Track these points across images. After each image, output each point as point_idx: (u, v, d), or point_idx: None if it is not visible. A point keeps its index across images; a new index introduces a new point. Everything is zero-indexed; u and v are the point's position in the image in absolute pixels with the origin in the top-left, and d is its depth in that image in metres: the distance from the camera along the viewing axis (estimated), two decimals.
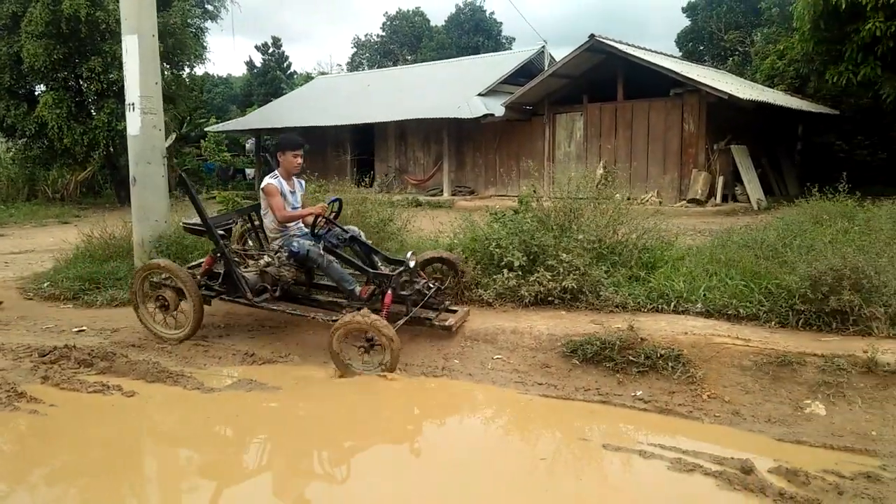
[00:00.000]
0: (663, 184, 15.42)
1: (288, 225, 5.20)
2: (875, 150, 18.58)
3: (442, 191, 17.95)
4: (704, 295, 4.99)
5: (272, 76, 31.82)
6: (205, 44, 18.28)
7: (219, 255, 5.13)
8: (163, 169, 6.80)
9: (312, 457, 3.60)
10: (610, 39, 15.31)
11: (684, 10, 25.48)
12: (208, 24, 18.32)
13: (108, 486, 3.20)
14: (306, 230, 5.24)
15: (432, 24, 37.32)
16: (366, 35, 41.43)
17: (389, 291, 4.76)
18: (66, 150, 16.05)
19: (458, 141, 18.29)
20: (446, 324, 4.85)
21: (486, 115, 16.75)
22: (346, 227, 5.31)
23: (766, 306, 4.67)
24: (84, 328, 5.73)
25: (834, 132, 19.09)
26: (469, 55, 25.85)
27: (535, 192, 6.62)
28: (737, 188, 15.34)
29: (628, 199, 16.21)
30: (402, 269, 4.94)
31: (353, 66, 37.80)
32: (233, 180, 23.11)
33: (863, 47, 12.77)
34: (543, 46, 19.14)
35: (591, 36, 15.10)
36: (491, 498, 3.04)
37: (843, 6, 12.32)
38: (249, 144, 25.95)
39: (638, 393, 4.11)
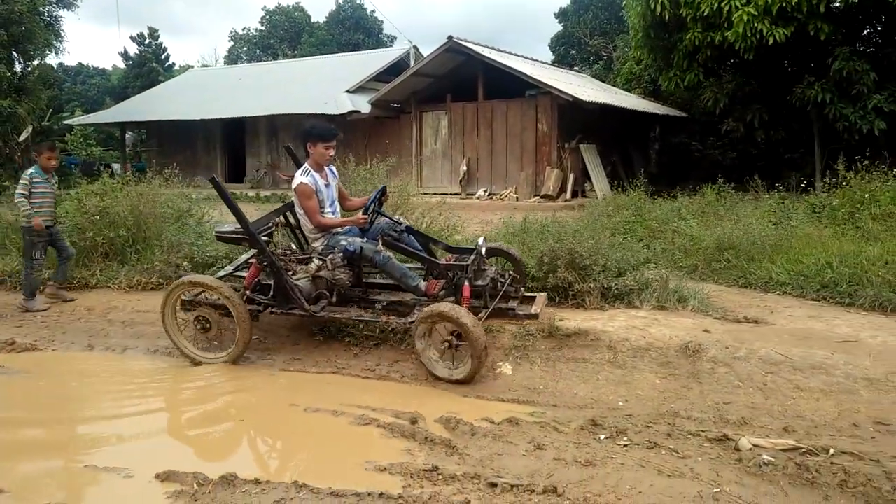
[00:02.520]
0: (520, 180, 16.23)
1: None
2: (725, 149, 20.20)
3: None
4: None
5: (149, 68, 30.74)
6: (60, 32, 17.54)
7: (265, 264, 4.58)
8: None
9: None
10: (468, 42, 15.96)
11: (556, 15, 26.81)
12: (84, 12, 17.62)
13: None
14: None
15: (313, 20, 37.24)
16: (243, 29, 40.82)
17: (467, 283, 4.34)
18: None
19: None
20: (532, 311, 4.50)
21: (352, 112, 17.05)
22: (396, 218, 4.91)
23: None
24: None
25: (686, 133, 20.62)
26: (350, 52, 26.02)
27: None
28: (587, 184, 16.39)
29: (490, 194, 17.10)
30: (474, 256, 4.51)
31: (231, 60, 37.07)
32: (98, 175, 22.21)
33: (687, 55, 13.97)
34: (413, 46, 19.64)
35: (450, 38, 15.70)
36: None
37: (668, 17, 13.44)
38: (128, 138, 25.03)
39: (368, 363, 4.56)
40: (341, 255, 4.56)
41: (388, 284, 4.94)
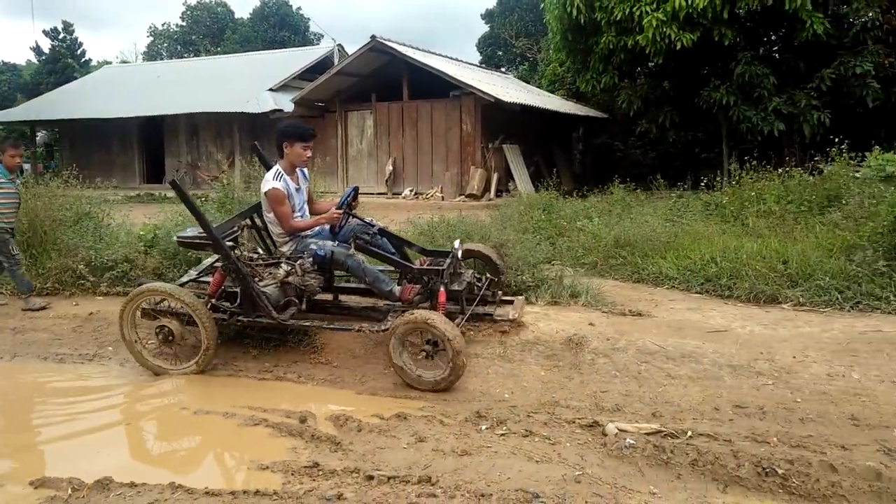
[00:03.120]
0: (446, 180, 16.41)
1: None
2: (646, 149, 20.94)
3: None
4: None
5: (63, 64, 29.34)
6: None
7: (230, 270, 4.37)
8: None
9: None
10: (391, 41, 16.00)
11: (483, 16, 27.18)
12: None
13: None
14: (317, 227, 4.69)
15: (237, 16, 36.44)
16: (163, 24, 39.59)
17: (443, 288, 4.23)
18: None
19: (252, 136, 18.11)
20: (510, 317, 4.48)
21: (274, 111, 16.82)
22: (368, 220, 4.77)
23: None
24: None
25: (608, 133, 21.30)
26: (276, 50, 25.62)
27: None
28: (510, 183, 16.72)
29: (416, 194, 17.19)
30: (450, 260, 4.41)
31: (151, 56, 35.87)
32: None
33: (602, 58, 14.44)
34: (337, 45, 19.53)
35: (373, 37, 15.69)
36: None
37: (583, 21, 13.86)
38: (39, 137, 23.87)
39: (266, 364, 4.57)
40: (311, 259, 4.41)
41: (360, 289, 4.83)
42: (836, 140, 8.31)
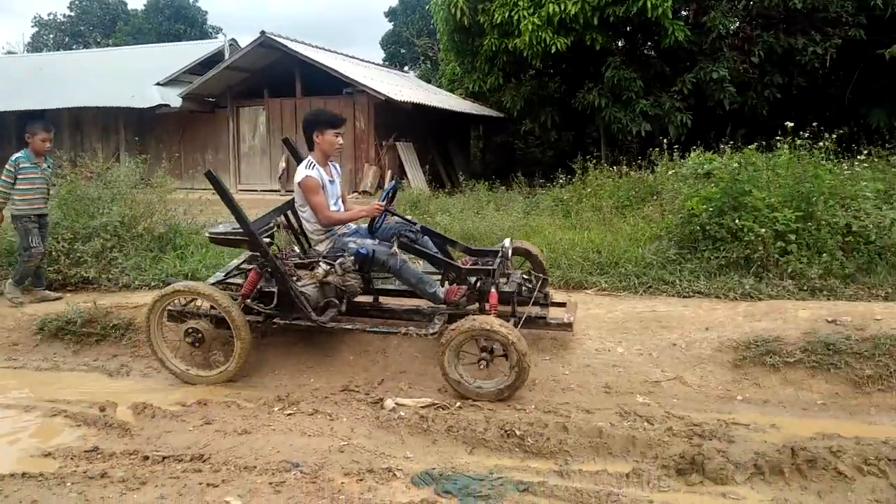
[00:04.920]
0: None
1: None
2: (544, 148, 21.68)
3: None
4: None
5: None
6: None
7: (268, 269, 4.13)
8: None
9: None
10: (282, 37, 15.97)
11: (386, 14, 27.42)
12: None
13: None
14: (354, 226, 4.51)
15: (130, 7, 35.09)
16: (49, 14, 37.60)
17: (494, 289, 3.98)
18: None
19: (139, 132, 17.66)
20: (566, 320, 4.21)
21: (160, 106, 16.45)
22: (408, 218, 4.53)
23: None
24: None
25: (508, 132, 21.93)
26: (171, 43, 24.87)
27: None
28: (404, 181, 17.03)
29: None
30: (499, 260, 4.19)
31: (36, 47, 34.05)
32: None
33: (487, 59, 14.95)
34: (230, 39, 19.24)
35: (262, 32, 15.61)
36: None
37: (467, 23, 14.31)
38: None
39: (86, 359, 4.65)
40: (352, 258, 4.18)
41: (398, 291, 4.62)
42: (698, 140, 9.02)
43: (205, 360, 4.34)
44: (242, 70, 16.71)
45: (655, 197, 6.99)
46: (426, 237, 4.51)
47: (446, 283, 4.32)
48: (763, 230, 5.10)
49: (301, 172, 4.30)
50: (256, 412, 3.72)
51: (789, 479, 3.00)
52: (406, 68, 25.91)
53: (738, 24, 13.64)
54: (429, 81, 22.95)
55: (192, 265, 5.77)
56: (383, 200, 4.39)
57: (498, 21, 13.62)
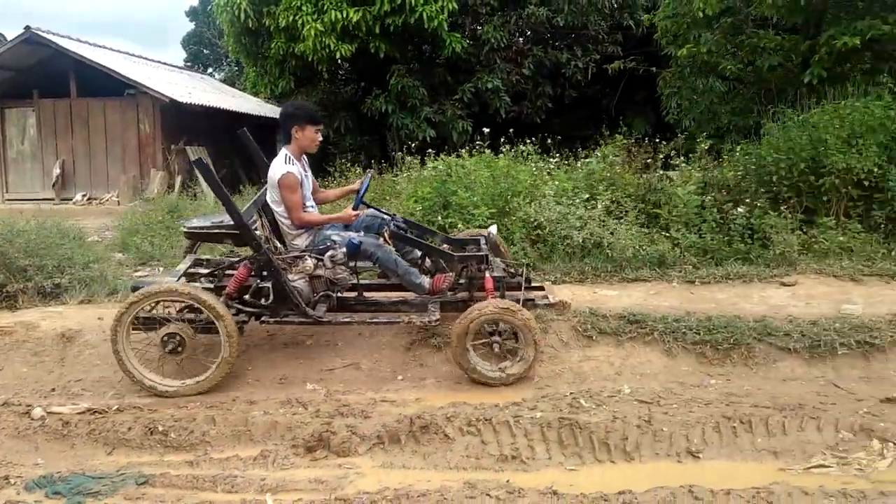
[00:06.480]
0: (122, 184, 15.52)
1: None
2: (341, 152, 21.75)
3: None
4: None
5: None
6: None
7: (261, 264, 3.93)
8: None
9: None
10: (52, 33, 14.72)
11: (187, 13, 26.17)
12: None
13: None
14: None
15: None
16: None
17: (489, 275, 4.10)
18: None
19: None
20: (551, 301, 4.38)
21: None
22: (384, 211, 4.59)
23: None
24: None
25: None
26: None
27: None
28: (198, 186, 16.39)
29: (89, 199, 15.98)
30: (487, 246, 4.37)
31: None
32: None
33: (277, 63, 14.82)
34: None
35: (27, 28, 14.28)
36: None
37: (252, 26, 14.09)
38: None
39: None
40: (343, 250, 4.10)
41: (380, 284, 4.62)
42: (478, 145, 9.52)
43: (177, 369, 4.04)
44: (8, 69, 15.20)
45: (397, 198, 7.39)
46: (405, 228, 4.65)
47: (426, 272, 4.47)
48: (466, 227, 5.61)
49: (280, 168, 4.18)
50: None
51: (404, 446, 3.36)
52: (210, 70, 24.90)
53: (510, 38, 14.71)
54: (233, 84, 22.27)
55: None
56: (357, 207, 4.36)
57: (283, 25, 13.56)
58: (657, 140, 7.63)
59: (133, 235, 7.75)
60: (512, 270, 4.57)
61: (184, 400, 3.81)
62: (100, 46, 16.41)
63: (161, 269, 6.67)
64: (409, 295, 4.37)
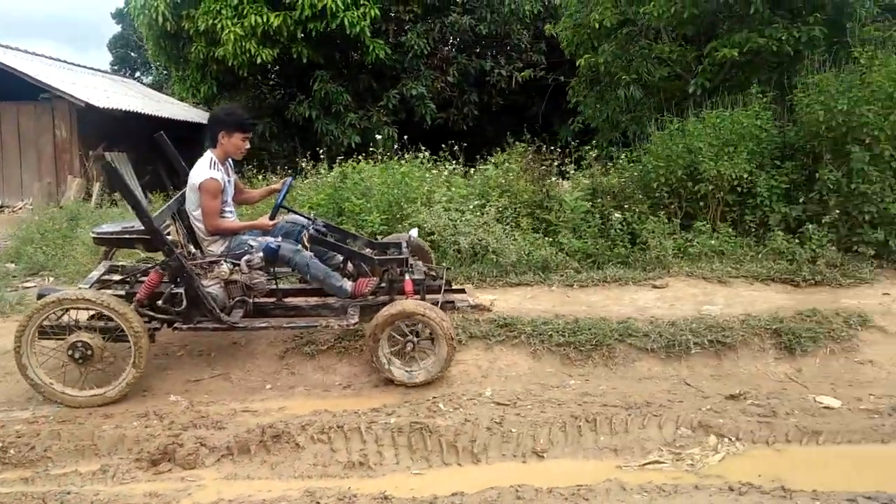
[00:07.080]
0: (36, 191, 14.96)
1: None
2: (268, 157, 21.42)
3: None
4: None
5: None
6: None
7: (173, 270, 3.89)
8: None
9: None
10: None
11: (113, 15, 25.37)
12: None
13: None
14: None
15: None
16: None
17: (408, 277, 4.11)
18: None
19: None
20: (471, 303, 4.40)
21: None
22: (306, 214, 4.58)
23: None
24: None
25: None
26: None
27: None
28: (118, 193, 15.93)
29: (0, 206, 15.34)
30: (408, 249, 4.39)
31: None
32: None
33: (197, 67, 14.55)
34: None
35: None
36: None
37: (170, 29, 13.80)
38: None
39: None
40: (260, 255, 4.03)
41: (297, 290, 4.56)
42: (403, 150, 9.48)
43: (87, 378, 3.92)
44: None
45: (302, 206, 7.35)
46: (327, 231, 4.60)
47: (348, 276, 4.45)
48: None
49: (203, 172, 4.06)
50: None
51: (254, 456, 3.36)
52: (138, 74, 24.23)
53: (434, 45, 14.81)
54: (160, 89, 21.73)
55: None
56: (277, 209, 4.28)
57: (202, 28, 13.32)
58: (577, 146, 7.75)
59: (27, 245, 7.51)
60: (433, 273, 4.58)
61: (33, 415, 3.71)
62: (13, 48, 15.79)
63: (51, 279, 6.49)
64: (331, 299, 4.35)
